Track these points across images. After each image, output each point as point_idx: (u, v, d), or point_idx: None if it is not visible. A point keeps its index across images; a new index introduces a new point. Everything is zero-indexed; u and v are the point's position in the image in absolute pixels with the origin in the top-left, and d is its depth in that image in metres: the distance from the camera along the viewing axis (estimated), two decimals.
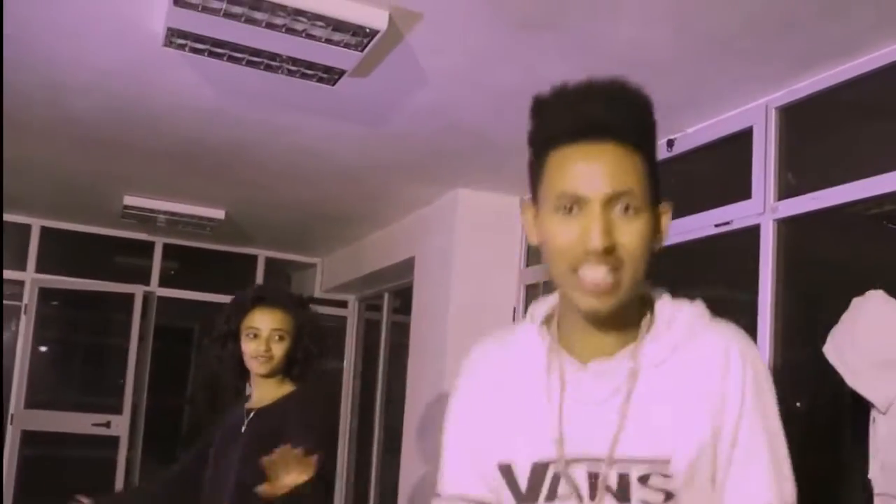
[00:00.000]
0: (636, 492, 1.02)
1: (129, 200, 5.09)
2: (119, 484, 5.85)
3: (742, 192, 3.05)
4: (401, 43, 2.76)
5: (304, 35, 2.62)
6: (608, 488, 1.03)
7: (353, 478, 6.79)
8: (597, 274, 0.99)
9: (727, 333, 1.09)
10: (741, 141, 3.09)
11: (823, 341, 2.43)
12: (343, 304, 7.15)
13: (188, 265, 6.71)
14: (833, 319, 2.47)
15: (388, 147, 3.91)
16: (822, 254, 3.24)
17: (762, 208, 2.94)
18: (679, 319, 1.10)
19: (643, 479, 1.03)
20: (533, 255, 4.54)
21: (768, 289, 2.87)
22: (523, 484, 1.08)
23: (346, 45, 2.69)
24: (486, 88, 3.12)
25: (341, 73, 2.92)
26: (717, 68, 2.82)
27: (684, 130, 3.35)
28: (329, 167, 4.29)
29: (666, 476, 1.02)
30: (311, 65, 2.87)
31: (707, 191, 3.36)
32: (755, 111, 3.02)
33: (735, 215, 3.07)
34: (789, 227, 2.93)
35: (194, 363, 7.29)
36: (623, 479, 1.03)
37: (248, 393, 2.39)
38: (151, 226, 5.68)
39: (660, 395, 1.05)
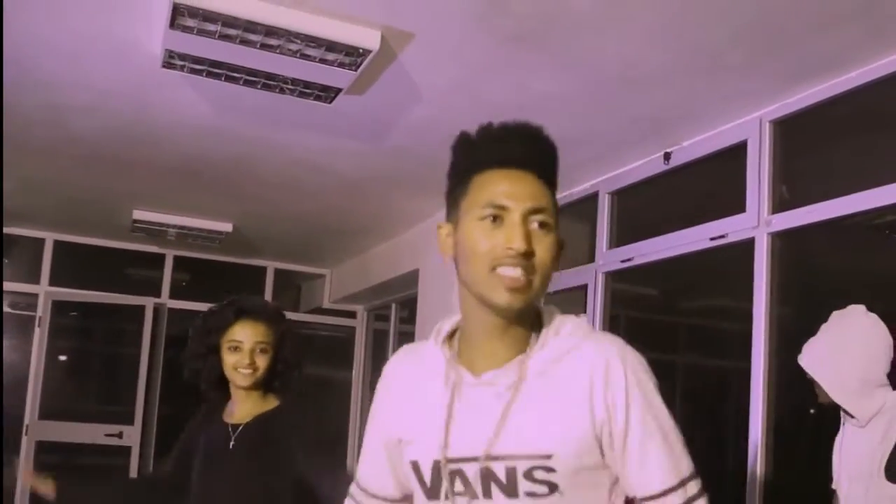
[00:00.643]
0: (522, 485, 1.13)
1: (138, 215, 5.16)
2: None
3: (737, 205, 3.06)
4: (394, 61, 2.80)
5: (298, 56, 2.66)
6: (496, 482, 1.14)
7: None
8: (515, 272, 1.13)
9: (606, 343, 1.19)
10: (736, 154, 3.10)
11: None
12: (352, 315, 7.20)
13: (199, 277, 6.78)
14: None
15: (387, 161, 3.95)
16: (816, 266, 3.24)
17: (756, 222, 2.95)
18: (562, 333, 1.20)
19: (528, 473, 1.13)
20: None
21: (762, 301, 2.88)
22: (427, 480, 1.21)
23: (341, 65, 2.73)
24: (480, 104, 3.15)
25: (337, 91, 2.96)
26: (709, 83, 2.83)
27: (680, 144, 3.37)
28: (331, 181, 4.34)
29: (549, 470, 1.12)
30: (307, 84, 2.91)
31: (703, 204, 3.37)
32: (749, 125, 3.03)
33: (730, 228, 3.07)
34: (783, 241, 2.94)
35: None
36: (510, 474, 1.13)
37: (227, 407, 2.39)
38: (162, 239, 5.75)
39: (544, 397, 1.15)
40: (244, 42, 2.59)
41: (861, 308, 2.26)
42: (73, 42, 2.79)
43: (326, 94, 3.00)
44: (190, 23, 2.47)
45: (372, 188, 4.46)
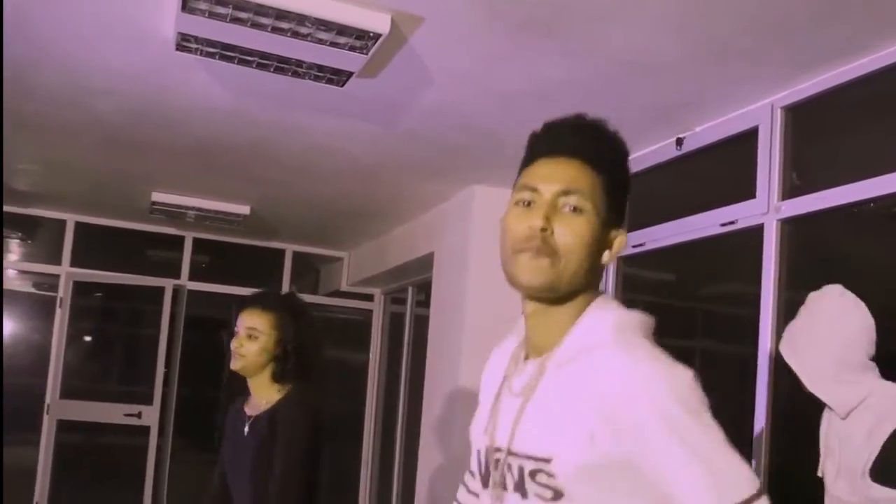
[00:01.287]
0: (529, 486, 1.10)
1: (157, 197, 5.23)
2: (150, 470, 6.02)
3: (748, 191, 3.05)
4: (405, 45, 2.81)
5: (309, 39, 2.69)
6: (514, 477, 1.12)
7: (377, 468, 6.90)
8: (531, 249, 1.12)
9: (636, 356, 1.08)
10: (747, 140, 3.09)
11: None
12: (369, 298, 7.25)
13: (219, 259, 6.86)
14: None
15: (401, 145, 3.97)
16: (828, 253, 3.22)
17: (766, 208, 2.94)
18: (577, 330, 1.15)
19: (533, 475, 1.09)
20: None
21: (771, 287, 2.88)
22: (481, 466, 1.22)
23: (352, 48, 2.75)
24: (491, 89, 3.16)
25: (349, 74, 2.99)
26: (720, 69, 2.82)
27: (693, 129, 3.36)
28: (345, 165, 4.37)
29: (549, 475, 1.07)
30: (319, 67, 2.94)
31: (715, 190, 3.36)
32: (761, 111, 3.02)
33: (740, 215, 3.07)
34: (793, 227, 2.93)
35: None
36: (521, 473, 1.11)
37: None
38: (181, 221, 5.82)
39: (553, 396, 1.12)
40: (255, 25, 2.61)
41: (837, 287, 2.13)
42: (91, 24, 2.83)
43: (338, 77, 3.02)
44: (202, 6, 2.50)
45: (386, 172, 4.48)
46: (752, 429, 2.88)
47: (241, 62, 2.93)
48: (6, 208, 5.68)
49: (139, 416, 6.04)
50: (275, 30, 2.64)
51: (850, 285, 2.15)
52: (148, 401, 6.09)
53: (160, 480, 6.24)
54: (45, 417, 5.99)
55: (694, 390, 1.06)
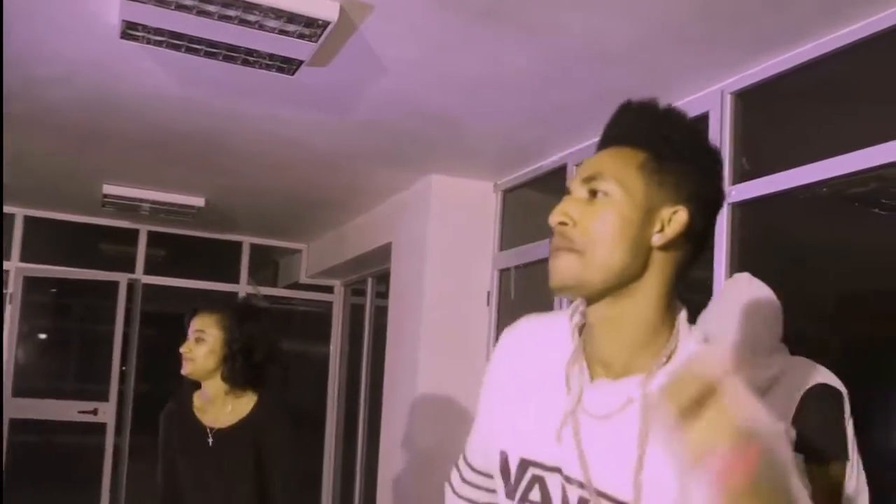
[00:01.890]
0: None
1: (108, 189, 5.13)
2: (107, 469, 5.93)
3: None
4: (355, 33, 2.78)
5: (257, 27, 2.65)
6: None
7: (339, 459, 6.88)
8: (553, 251, 1.04)
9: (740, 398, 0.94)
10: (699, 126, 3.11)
11: None
12: (329, 290, 7.21)
13: (175, 252, 6.75)
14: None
15: (357, 134, 3.94)
16: (782, 237, 3.28)
17: None
18: (685, 345, 1.03)
19: None
20: (506, 239, 4.58)
21: (723, 272, 2.91)
22: (512, 476, 1.08)
23: (301, 36, 2.71)
24: (445, 76, 3.14)
25: (299, 63, 2.95)
26: (673, 55, 2.84)
27: None
28: (302, 154, 4.33)
29: None
30: (269, 55, 2.90)
31: None
32: (711, 96, 3.05)
33: None
34: (745, 211, 2.97)
35: None
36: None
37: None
38: (134, 214, 5.72)
39: (648, 433, 0.97)
40: (202, 13, 2.56)
41: (746, 275, 2.19)
42: (37, 12, 2.76)
43: (289, 65, 2.98)
44: None
45: (343, 162, 4.45)
46: None
47: (189, 50, 2.88)
48: None
49: (95, 413, 5.94)
50: (222, 17, 2.59)
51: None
52: (104, 397, 5.99)
53: (118, 479, 6.15)
54: None
55: None
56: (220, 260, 6.85)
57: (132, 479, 6.21)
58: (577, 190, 1.06)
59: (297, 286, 7.16)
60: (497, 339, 1.24)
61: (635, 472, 0.96)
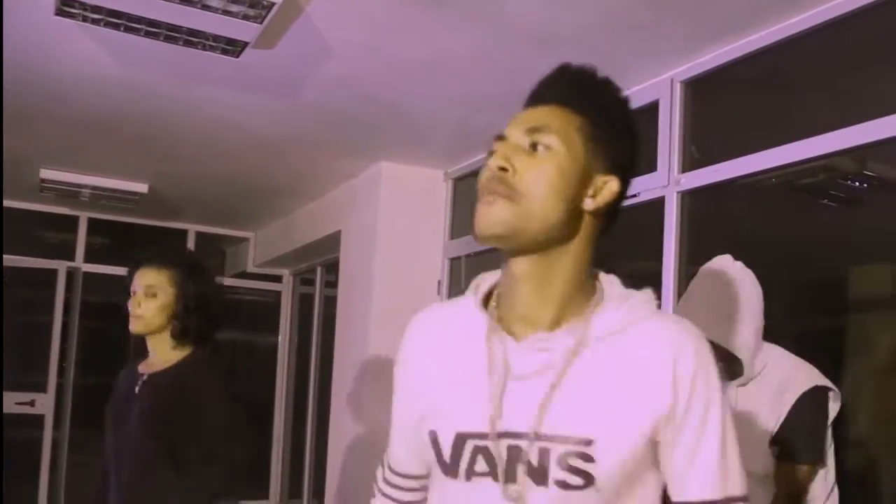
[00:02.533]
0: (553, 472, 0.99)
1: (46, 174, 4.95)
2: (45, 463, 5.76)
3: (650, 164, 3.08)
4: (301, 15, 2.71)
5: (200, 6, 2.56)
6: (526, 466, 1.00)
7: (288, 450, 6.80)
8: (487, 190, 1.02)
9: (680, 326, 1.05)
10: (648, 114, 3.12)
11: None
12: (277, 279, 7.10)
13: (117, 240, 6.57)
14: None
15: (304, 119, 3.86)
16: (732, 227, 3.30)
17: (667, 181, 2.98)
18: (631, 302, 1.07)
19: (562, 459, 0.99)
20: (457, 228, 4.55)
21: (672, 260, 2.92)
22: (447, 454, 1.06)
23: (245, 17, 2.63)
24: (392, 60, 3.08)
25: (244, 44, 2.87)
26: (621, 42, 2.83)
27: None
28: (249, 139, 4.23)
29: (588, 458, 0.98)
30: (213, 36, 2.81)
31: None
32: (661, 85, 3.05)
33: (642, 188, 3.10)
34: (695, 200, 2.98)
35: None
36: (542, 458, 0.99)
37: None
38: (74, 200, 5.54)
39: (597, 373, 1.01)
40: None
41: (729, 257, 2.11)
42: None
43: (233, 47, 2.90)
44: None
45: (291, 147, 4.36)
46: None
47: (129, 30, 2.78)
48: None
49: (32, 404, 5.76)
50: None
51: (751, 258, 2.16)
52: (41, 388, 5.81)
53: (57, 473, 5.98)
54: None
55: None
56: (164, 248, 6.69)
57: (73, 472, 6.04)
58: (518, 138, 1.05)
59: (244, 275, 7.03)
60: None
61: (541, 404, 1.00)
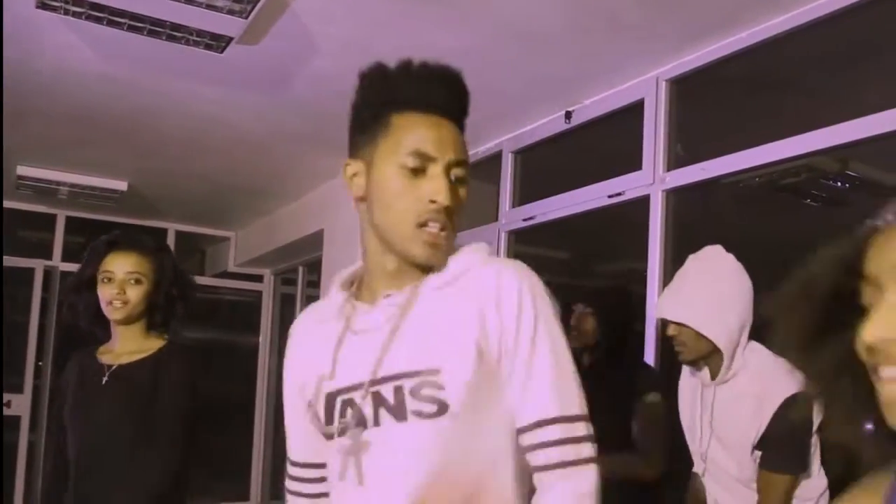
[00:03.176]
0: (410, 404, 1.08)
1: (23, 171, 4.88)
2: (21, 466, 5.67)
3: (635, 163, 3.09)
4: (287, 10, 2.69)
5: (184, 0, 2.53)
6: (385, 407, 1.10)
7: (269, 452, 6.74)
8: (436, 228, 1.11)
9: (504, 264, 1.15)
10: (635, 113, 3.13)
11: None
12: (258, 279, 7.05)
13: (95, 239, 6.46)
14: None
15: (289, 116, 3.83)
16: (716, 226, 3.32)
17: (652, 179, 2.99)
18: (460, 256, 1.16)
19: (415, 391, 1.08)
20: None
21: (657, 257, 2.93)
22: (323, 417, 1.16)
23: (231, 12, 2.62)
24: (379, 57, 3.00)
25: (229, 40, 2.84)
26: (608, 42, 2.83)
27: (581, 103, 3.38)
28: (232, 136, 4.19)
29: (438, 387, 1.07)
30: (197, 31, 2.78)
31: (604, 163, 3.40)
32: (646, 84, 3.06)
33: (627, 186, 3.11)
34: (680, 199, 2.99)
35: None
36: (398, 394, 1.09)
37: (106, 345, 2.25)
38: (52, 198, 5.47)
39: (433, 314, 1.12)
40: None
41: (719, 248, 2.07)
42: None
43: (218, 42, 2.87)
44: None
45: (274, 145, 4.33)
46: None
47: (111, 23, 2.75)
48: None
49: (8, 405, 5.67)
50: None
51: (736, 257, 2.12)
52: (18, 389, 5.72)
53: (34, 475, 5.88)
54: None
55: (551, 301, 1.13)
56: None
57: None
58: (445, 170, 1.13)
59: (225, 275, 6.97)
60: None
61: (381, 350, 1.11)
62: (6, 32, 2.97)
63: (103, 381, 2.14)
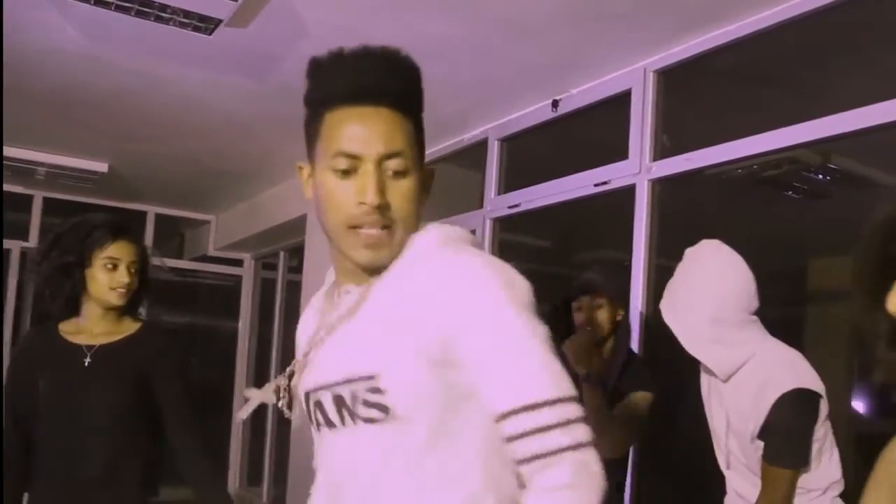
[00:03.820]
0: (360, 410, 1.06)
1: None
2: None
3: (623, 153, 3.12)
4: None
5: None
6: (345, 408, 1.08)
7: (248, 438, 6.74)
8: (372, 230, 1.07)
9: (459, 257, 1.08)
10: (622, 103, 3.15)
11: None
12: (238, 263, 7.01)
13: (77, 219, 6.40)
14: None
15: (274, 101, 3.81)
16: (701, 217, 3.36)
17: (638, 168, 3.02)
18: (419, 246, 1.11)
19: (359, 397, 1.05)
20: (425, 214, 4.53)
21: (642, 247, 2.96)
22: (306, 412, 1.18)
23: None
24: (367, 43, 3.06)
25: (218, 22, 2.83)
26: (596, 31, 2.85)
27: (568, 91, 3.39)
28: (216, 120, 4.16)
29: (378, 391, 1.04)
30: (185, 12, 2.76)
31: (591, 152, 3.42)
32: (634, 74, 3.08)
33: (612, 175, 3.14)
34: (665, 189, 3.02)
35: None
36: (353, 399, 1.06)
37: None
38: (29, 178, 5.39)
39: (374, 315, 1.09)
40: None
41: (714, 242, 2.04)
42: None
43: (206, 24, 2.86)
44: None
45: (258, 129, 4.30)
46: None
47: (98, 3, 2.72)
48: None
49: None
50: None
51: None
52: None
53: None
54: None
55: (519, 286, 1.06)
56: None
57: None
58: (376, 166, 1.07)
59: (204, 259, 6.93)
60: None
61: (330, 349, 1.13)
62: None
63: (86, 363, 2.14)
